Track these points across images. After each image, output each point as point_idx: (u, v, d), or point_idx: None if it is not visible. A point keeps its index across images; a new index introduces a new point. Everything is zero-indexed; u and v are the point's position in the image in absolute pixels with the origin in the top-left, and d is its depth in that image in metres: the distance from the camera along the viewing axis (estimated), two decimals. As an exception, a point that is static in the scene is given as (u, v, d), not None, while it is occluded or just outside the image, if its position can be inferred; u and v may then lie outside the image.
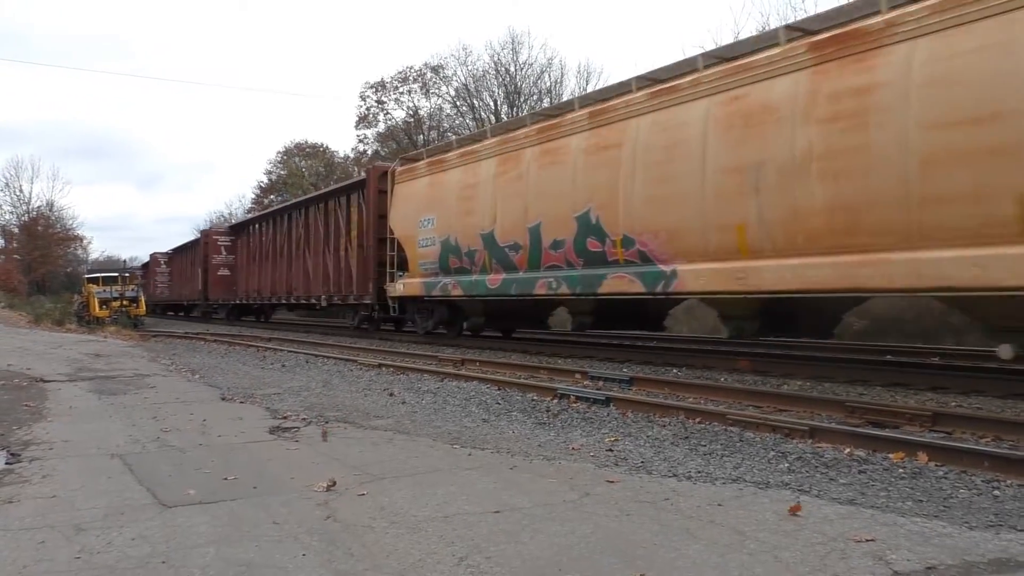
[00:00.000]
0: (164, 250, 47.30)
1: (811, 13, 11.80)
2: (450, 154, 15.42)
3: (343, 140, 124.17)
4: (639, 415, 7.16)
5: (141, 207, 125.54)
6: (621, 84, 11.68)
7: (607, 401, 7.68)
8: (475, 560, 3.30)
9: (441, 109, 41.74)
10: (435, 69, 41.22)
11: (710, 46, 13.36)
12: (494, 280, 13.69)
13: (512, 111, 37.04)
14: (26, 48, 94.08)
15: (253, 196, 58.55)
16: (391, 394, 9.08)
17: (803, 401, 7.39)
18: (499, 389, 9.08)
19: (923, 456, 5.12)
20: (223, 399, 8.78)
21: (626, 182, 10.84)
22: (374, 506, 4.15)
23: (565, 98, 34.64)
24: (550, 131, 12.47)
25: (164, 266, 46.19)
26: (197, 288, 35.66)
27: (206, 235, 35.08)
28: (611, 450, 5.77)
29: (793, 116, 8.56)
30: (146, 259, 52.88)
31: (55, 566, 3.29)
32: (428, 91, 41.88)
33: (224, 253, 33.21)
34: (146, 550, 3.47)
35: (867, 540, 3.50)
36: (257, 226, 30.34)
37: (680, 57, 11.29)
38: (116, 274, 30.90)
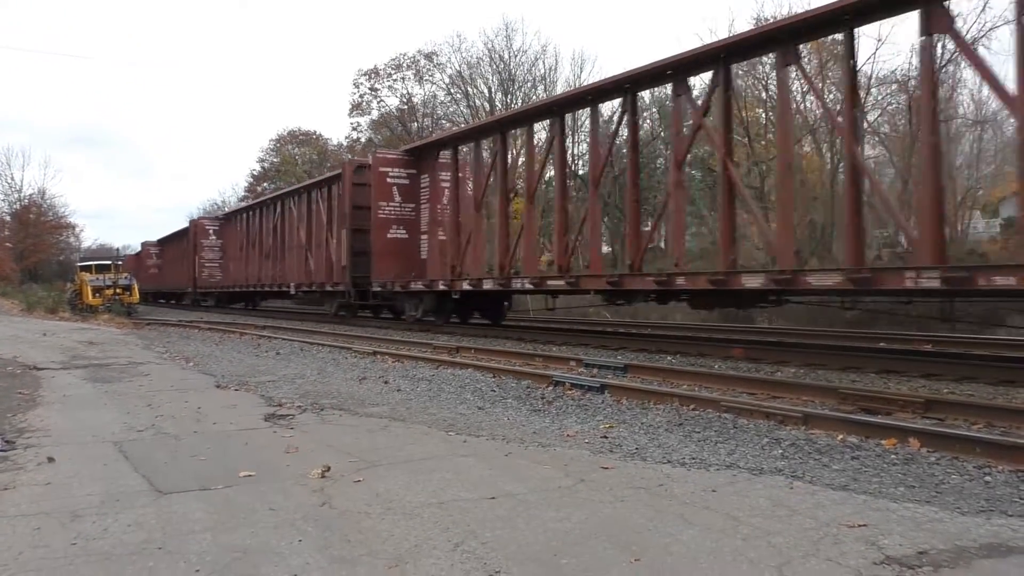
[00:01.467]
0: (212, 215, 36.83)
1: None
2: None
3: (336, 128, 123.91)
4: (633, 402, 7.18)
5: (134, 196, 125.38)
6: None
7: (602, 388, 7.70)
8: (471, 545, 3.32)
9: (435, 96, 41.64)
10: (428, 56, 41.11)
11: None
12: None
13: (507, 98, 36.93)
14: (17, 35, 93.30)
15: (246, 184, 58.36)
16: (386, 382, 9.09)
17: (796, 388, 7.42)
18: (494, 377, 9.09)
19: (915, 442, 5.16)
20: (218, 387, 8.77)
21: None
22: (370, 492, 4.16)
23: (560, 87, 34.56)
24: None
25: (213, 237, 33.22)
26: (322, 266, 22.30)
27: (359, 169, 20.26)
28: (606, 437, 5.79)
29: None
30: (138, 248, 49.85)
31: (51, 552, 3.29)
32: (421, 78, 41.75)
33: (399, 199, 18.54)
34: (142, 536, 3.47)
35: (859, 525, 3.54)
36: (470, 146, 17.32)
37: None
38: (109, 262, 30.77)
